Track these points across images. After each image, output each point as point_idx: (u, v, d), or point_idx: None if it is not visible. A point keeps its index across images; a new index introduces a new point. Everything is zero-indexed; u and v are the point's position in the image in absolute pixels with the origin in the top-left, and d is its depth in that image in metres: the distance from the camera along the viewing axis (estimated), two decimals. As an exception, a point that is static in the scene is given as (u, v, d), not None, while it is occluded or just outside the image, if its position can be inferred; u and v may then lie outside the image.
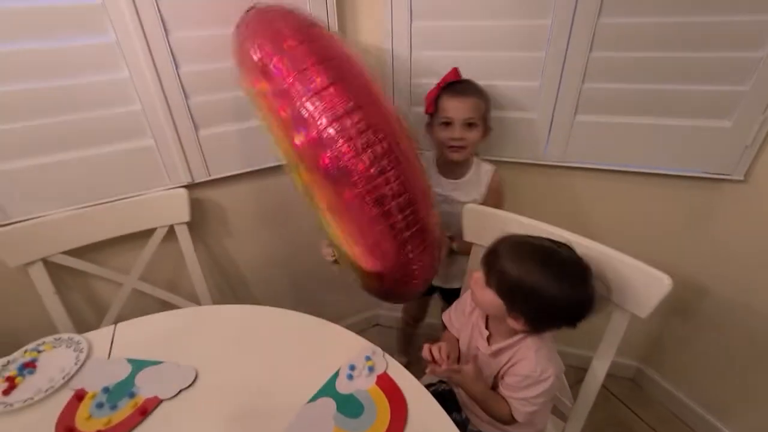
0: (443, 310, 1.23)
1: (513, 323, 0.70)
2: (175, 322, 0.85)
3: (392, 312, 1.57)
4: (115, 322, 1.02)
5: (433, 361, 0.71)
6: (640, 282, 0.70)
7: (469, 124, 0.94)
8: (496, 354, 0.75)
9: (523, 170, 1.13)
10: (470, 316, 0.84)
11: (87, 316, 1.07)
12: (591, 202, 1.13)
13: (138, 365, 0.73)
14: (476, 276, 0.73)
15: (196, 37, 0.91)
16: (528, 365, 0.71)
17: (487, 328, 0.78)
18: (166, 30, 0.87)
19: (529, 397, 0.71)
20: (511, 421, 0.74)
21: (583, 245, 0.74)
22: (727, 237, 1.04)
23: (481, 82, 0.98)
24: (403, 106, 1.12)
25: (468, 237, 0.93)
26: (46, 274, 0.93)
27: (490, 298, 0.70)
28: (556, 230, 0.80)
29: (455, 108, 0.93)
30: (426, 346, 0.72)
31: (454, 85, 0.96)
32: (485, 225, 0.89)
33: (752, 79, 0.86)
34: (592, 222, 1.15)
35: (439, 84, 0.97)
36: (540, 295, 0.65)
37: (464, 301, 0.87)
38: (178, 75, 0.92)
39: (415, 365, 0.79)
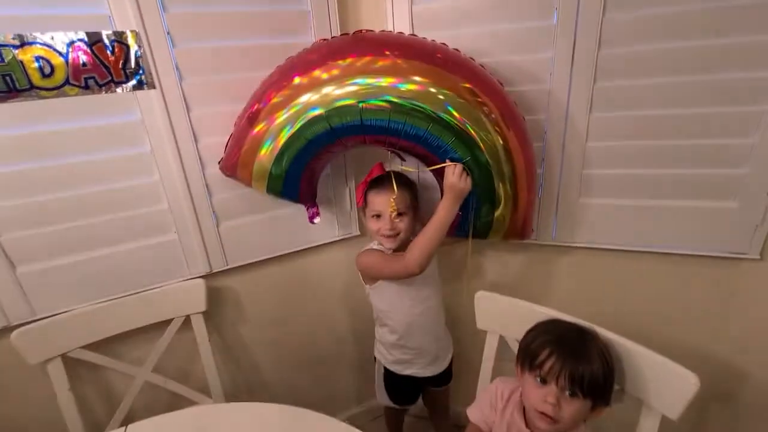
0: (430, 398, 1.21)
1: (595, 415, 0.70)
2: (188, 422, 0.83)
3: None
4: (125, 419, 1.01)
5: None
6: (666, 380, 0.67)
7: (399, 214, 0.97)
8: None
9: (528, 250, 1.14)
10: (503, 412, 0.80)
11: (97, 412, 1.05)
12: (606, 283, 1.11)
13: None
14: (550, 397, 0.68)
15: (221, 142, 1.00)
16: None
17: (527, 426, 0.75)
18: (195, 138, 0.97)
19: None
20: None
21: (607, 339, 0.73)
22: (757, 314, 0.99)
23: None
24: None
25: (481, 324, 0.91)
26: (63, 370, 0.94)
27: (578, 406, 0.67)
28: (575, 320, 0.78)
29: (382, 203, 0.97)
30: None
31: (380, 180, 1.00)
32: (499, 312, 0.89)
33: (748, 162, 0.88)
34: (608, 305, 1.12)
35: (365, 179, 1.02)
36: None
37: (493, 394, 0.83)
38: (204, 176, 1.00)
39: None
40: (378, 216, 0.99)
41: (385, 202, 0.97)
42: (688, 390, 0.64)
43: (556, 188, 1.04)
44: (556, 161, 1.02)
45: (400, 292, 1.01)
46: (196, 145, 0.97)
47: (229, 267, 1.10)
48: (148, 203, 0.97)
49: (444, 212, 0.88)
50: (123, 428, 0.81)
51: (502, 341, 0.90)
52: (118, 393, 1.05)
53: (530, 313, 0.83)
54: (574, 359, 0.66)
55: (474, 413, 0.86)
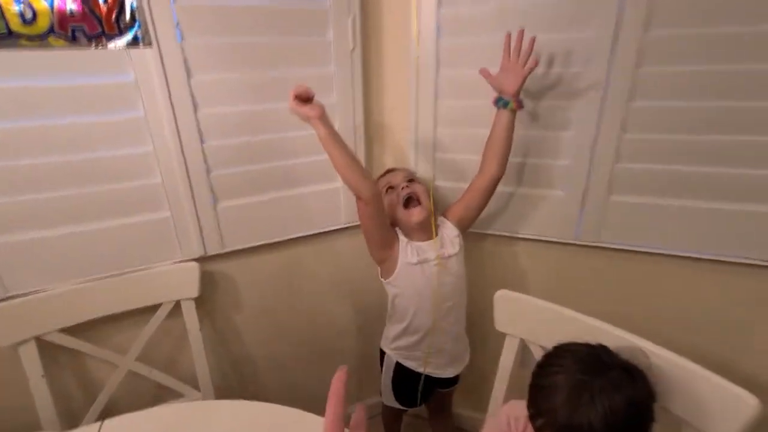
0: (433, 398, 1.13)
1: None
2: (169, 420, 0.75)
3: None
4: (104, 410, 0.93)
5: None
6: (717, 402, 0.59)
7: (410, 180, 0.99)
8: None
9: (551, 249, 1.06)
10: None
11: (75, 402, 0.96)
12: (635, 288, 1.03)
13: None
14: None
15: (223, 113, 0.91)
16: None
17: None
18: (195, 107, 0.88)
19: None
20: None
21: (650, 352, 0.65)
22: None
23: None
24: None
25: (500, 326, 0.83)
26: (36, 354, 0.85)
27: None
28: (604, 326, 0.71)
29: (393, 177, 1.01)
30: None
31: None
32: (520, 314, 0.81)
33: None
34: (638, 312, 1.04)
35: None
36: None
37: (504, 422, 0.75)
38: (203, 149, 0.91)
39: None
40: (392, 188, 0.97)
41: (396, 176, 1.00)
42: (744, 413, 0.56)
43: (583, 183, 0.96)
44: (585, 154, 0.94)
45: (425, 288, 0.94)
46: (196, 115, 0.88)
47: (225, 251, 1.01)
48: (139, 175, 0.88)
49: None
50: (99, 423, 0.73)
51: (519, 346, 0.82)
52: (98, 382, 0.97)
53: (558, 318, 0.75)
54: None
55: None
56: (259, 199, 1.01)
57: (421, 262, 0.93)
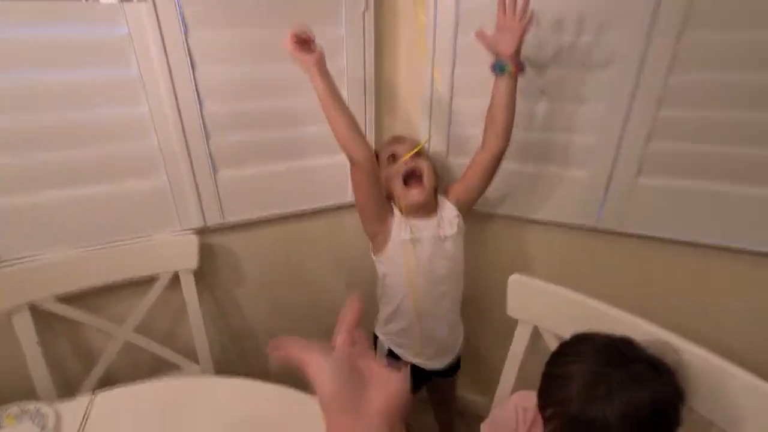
0: (434, 388, 1.10)
1: None
2: (163, 397, 0.72)
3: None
4: (101, 379, 0.91)
5: None
6: (750, 403, 0.54)
7: (416, 154, 0.89)
8: None
9: (567, 234, 1.00)
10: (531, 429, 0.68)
11: (71, 371, 0.95)
12: (658, 278, 0.96)
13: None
14: None
15: (223, 74, 0.85)
16: None
17: None
18: (192, 65, 0.81)
19: None
20: None
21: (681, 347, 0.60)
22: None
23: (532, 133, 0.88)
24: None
25: (513, 311, 0.79)
26: (30, 322, 0.83)
27: None
28: (627, 317, 0.65)
29: (399, 146, 0.92)
30: None
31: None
32: (534, 299, 0.76)
33: None
34: (660, 305, 0.97)
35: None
36: None
37: (512, 415, 0.71)
38: (201, 113, 0.85)
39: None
40: (394, 156, 0.90)
41: (402, 146, 0.91)
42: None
43: (610, 163, 0.89)
44: (614, 130, 0.86)
45: (417, 269, 0.87)
46: (193, 74, 0.82)
47: (225, 223, 0.97)
48: (134, 138, 0.83)
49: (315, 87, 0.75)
50: (91, 394, 0.71)
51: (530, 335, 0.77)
52: (95, 352, 0.95)
53: (577, 306, 0.70)
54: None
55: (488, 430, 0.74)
56: (261, 169, 0.96)
57: (414, 241, 0.86)
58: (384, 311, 0.96)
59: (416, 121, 1.03)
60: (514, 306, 0.78)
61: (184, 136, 0.85)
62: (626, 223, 0.93)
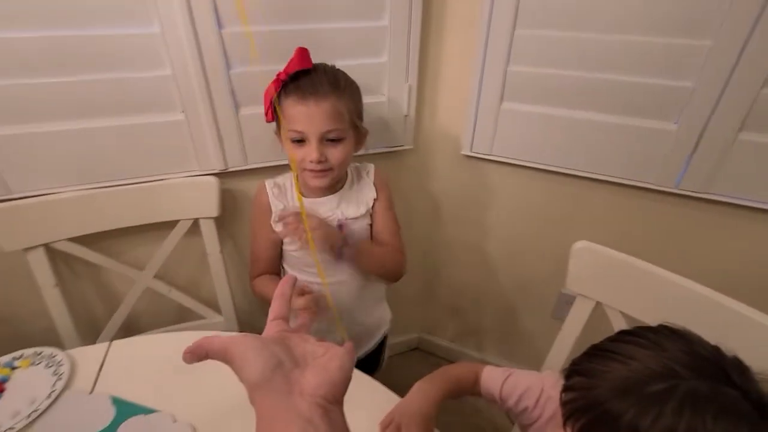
0: None
1: None
2: (181, 348, 0.67)
3: (434, 337, 1.34)
4: (125, 324, 0.88)
5: None
6: None
7: (332, 140, 0.66)
8: None
9: (645, 198, 0.86)
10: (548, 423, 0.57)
11: (92, 314, 0.92)
12: (749, 254, 0.83)
13: (124, 410, 0.56)
14: None
15: (247, -12, 0.72)
16: None
17: None
18: (210, -24, 0.68)
19: None
20: None
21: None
22: None
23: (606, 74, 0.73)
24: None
25: (573, 284, 0.68)
26: (47, 263, 0.79)
27: None
28: (726, 300, 0.54)
29: (306, 118, 0.64)
30: None
31: (300, 80, 0.64)
32: (602, 272, 0.64)
33: None
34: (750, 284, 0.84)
35: (278, 76, 0.65)
36: None
37: (534, 393, 0.58)
38: (221, 37, 0.73)
39: None
40: (300, 141, 0.67)
41: (311, 117, 0.63)
42: None
43: (706, 114, 0.73)
44: (720, 74, 0.70)
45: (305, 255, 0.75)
46: (211, -14, 0.69)
47: (249, 167, 0.88)
48: (145, 64, 0.72)
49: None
50: (107, 344, 0.67)
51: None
52: (117, 296, 0.91)
53: (657, 284, 0.59)
54: None
55: (490, 383, 0.61)
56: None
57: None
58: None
59: (461, 125, 0.93)
60: (576, 277, 0.67)
61: (202, 64, 0.73)
62: (714, 186, 0.78)
